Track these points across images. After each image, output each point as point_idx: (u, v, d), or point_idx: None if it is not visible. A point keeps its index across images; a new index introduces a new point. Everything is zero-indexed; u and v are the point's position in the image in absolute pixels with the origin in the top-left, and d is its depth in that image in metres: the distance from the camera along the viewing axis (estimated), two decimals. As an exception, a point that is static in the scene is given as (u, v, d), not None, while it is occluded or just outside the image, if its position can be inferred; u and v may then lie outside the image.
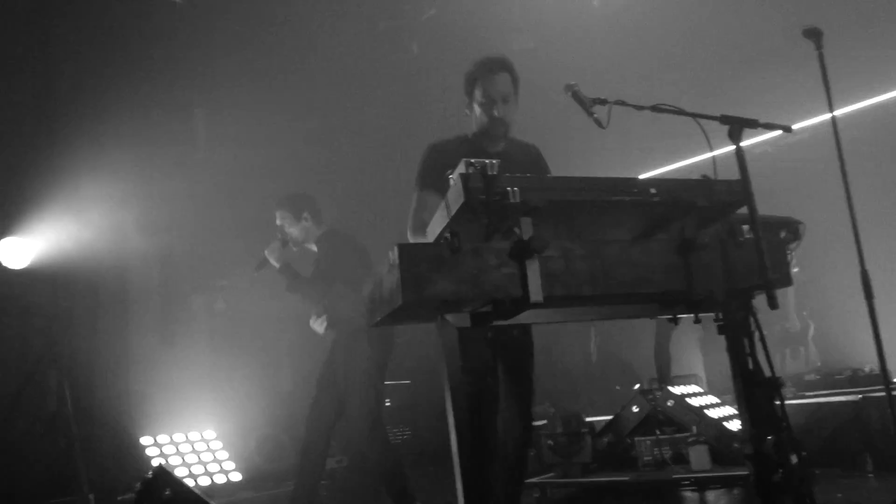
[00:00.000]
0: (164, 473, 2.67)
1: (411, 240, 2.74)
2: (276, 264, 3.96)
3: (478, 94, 2.85)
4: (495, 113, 2.82)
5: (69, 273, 4.88)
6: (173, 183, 5.57)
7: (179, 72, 5.83)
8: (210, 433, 5.33)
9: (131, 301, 5.74)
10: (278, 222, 4.03)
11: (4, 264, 4.71)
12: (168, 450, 5.01)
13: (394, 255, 1.71)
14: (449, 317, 1.84)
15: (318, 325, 3.99)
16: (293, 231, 4.01)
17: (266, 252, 3.99)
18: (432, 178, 2.78)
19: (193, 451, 5.13)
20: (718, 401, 4.67)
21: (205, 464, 5.08)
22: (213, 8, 5.94)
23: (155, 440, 5.00)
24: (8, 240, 4.76)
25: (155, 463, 4.71)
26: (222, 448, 5.29)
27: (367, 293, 2.02)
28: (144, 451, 4.89)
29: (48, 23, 5.12)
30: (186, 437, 5.18)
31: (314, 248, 4.05)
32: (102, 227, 5.11)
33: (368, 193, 6.68)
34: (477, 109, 2.87)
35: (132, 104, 5.37)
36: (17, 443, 4.43)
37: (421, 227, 2.69)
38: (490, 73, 2.84)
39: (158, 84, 5.66)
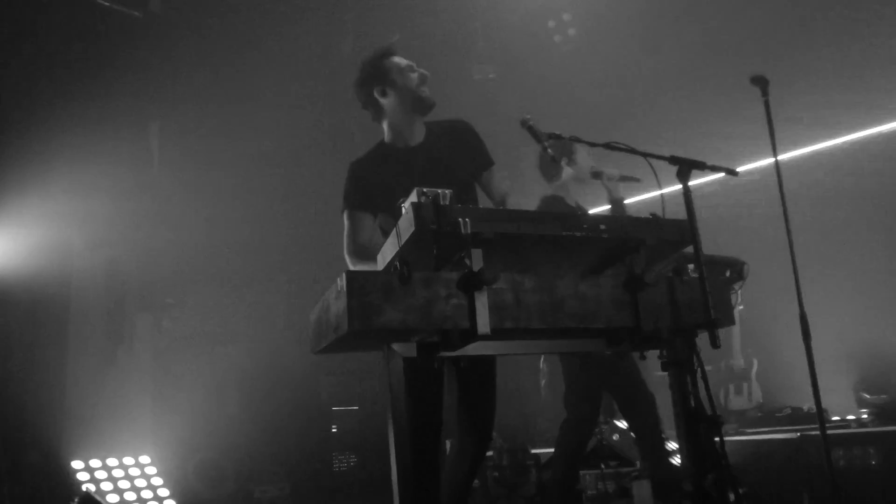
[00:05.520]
0: (90, 500, 2.56)
1: (350, 264, 2.67)
2: None
3: (398, 79, 2.72)
4: (425, 89, 2.73)
5: (5, 287, 4.69)
6: (124, 199, 5.42)
7: (135, 86, 5.70)
8: (145, 458, 5.13)
9: (72, 318, 5.52)
10: None
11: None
12: (100, 475, 4.80)
13: (342, 282, 1.68)
14: (396, 346, 1.82)
15: None
16: None
17: None
18: (360, 197, 2.75)
19: (127, 476, 4.93)
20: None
21: (138, 490, 4.89)
22: (172, 22, 5.86)
23: (87, 464, 4.79)
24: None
25: (84, 489, 4.51)
26: (157, 474, 5.09)
27: (314, 319, 1.98)
28: (74, 475, 4.68)
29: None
30: (120, 461, 4.97)
31: None
32: (45, 241, 4.93)
33: (328, 214, 6.61)
34: (393, 99, 2.73)
35: (83, 117, 5.21)
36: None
37: (360, 251, 2.66)
38: (394, 55, 2.77)
39: (112, 97, 5.51)
